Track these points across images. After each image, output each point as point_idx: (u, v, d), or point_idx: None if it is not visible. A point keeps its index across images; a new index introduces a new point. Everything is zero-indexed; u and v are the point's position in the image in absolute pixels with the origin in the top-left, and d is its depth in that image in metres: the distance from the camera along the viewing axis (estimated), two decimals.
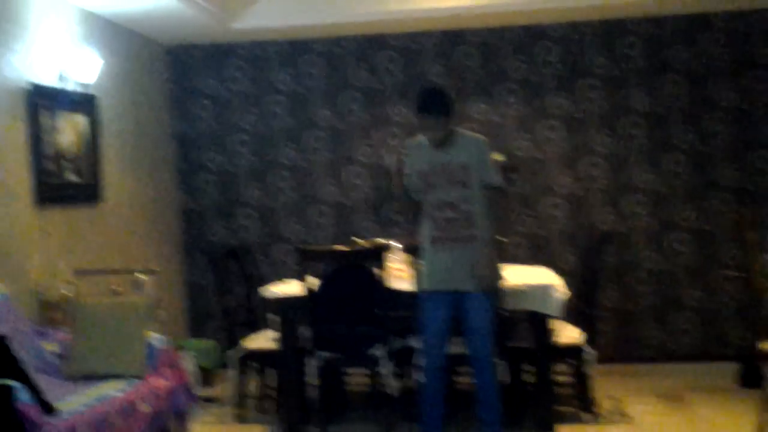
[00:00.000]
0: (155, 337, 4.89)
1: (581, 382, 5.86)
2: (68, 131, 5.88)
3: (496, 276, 5.09)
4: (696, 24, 7.34)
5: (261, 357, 6.02)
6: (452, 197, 4.96)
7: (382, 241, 6.47)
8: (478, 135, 5.24)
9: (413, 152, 5.14)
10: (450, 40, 7.57)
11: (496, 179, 5.11)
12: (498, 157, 7.32)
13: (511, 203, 7.48)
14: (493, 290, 5.08)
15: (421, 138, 5.11)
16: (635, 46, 7.42)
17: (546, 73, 7.51)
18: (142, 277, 5.88)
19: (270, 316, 6.05)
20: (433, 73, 7.56)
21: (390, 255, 5.83)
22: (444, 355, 5.12)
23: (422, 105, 5.03)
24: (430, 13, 7.06)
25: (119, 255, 6.58)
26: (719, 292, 7.35)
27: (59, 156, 5.76)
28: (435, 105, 4.99)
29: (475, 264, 4.96)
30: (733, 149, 7.33)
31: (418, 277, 5.13)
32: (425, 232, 5.07)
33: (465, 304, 5.03)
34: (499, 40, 7.53)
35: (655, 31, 7.39)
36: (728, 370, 6.84)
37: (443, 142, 5.01)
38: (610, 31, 7.43)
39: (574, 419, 5.82)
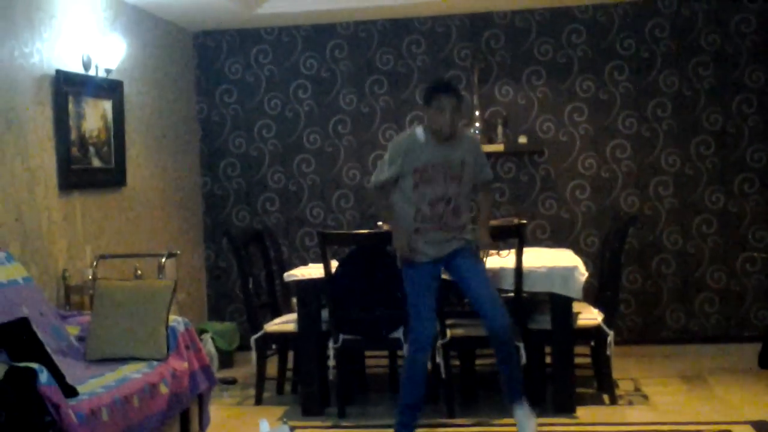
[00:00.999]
0: (176, 320, 4.95)
1: (601, 364, 5.87)
2: (94, 117, 5.97)
3: (485, 237, 5.19)
4: (726, 5, 7.27)
5: (281, 339, 6.09)
6: (449, 193, 4.95)
7: None
8: (470, 133, 5.43)
9: (408, 147, 5.00)
10: (476, 23, 7.56)
11: (490, 174, 5.23)
12: (522, 139, 7.36)
13: (535, 186, 7.49)
14: (473, 242, 5.11)
15: (418, 132, 5.02)
16: (663, 28, 7.37)
17: (572, 55, 7.48)
18: (165, 260, 5.97)
19: (294, 299, 6.12)
20: (459, 57, 7.56)
21: None
22: (433, 336, 5.07)
23: (439, 86, 5.03)
24: None
25: (142, 239, 6.67)
26: (742, 274, 7.31)
27: (85, 141, 5.85)
28: (453, 88, 5.01)
29: (461, 238, 5.03)
30: (760, 131, 7.27)
31: (404, 253, 5.06)
32: (412, 225, 5.01)
33: (455, 261, 5.02)
34: (525, 22, 7.51)
35: (684, 12, 7.33)
36: (749, 351, 6.83)
37: (451, 135, 4.95)
38: (638, 13, 7.38)
39: (594, 401, 5.84)
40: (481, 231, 5.18)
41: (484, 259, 5.29)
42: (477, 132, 7.32)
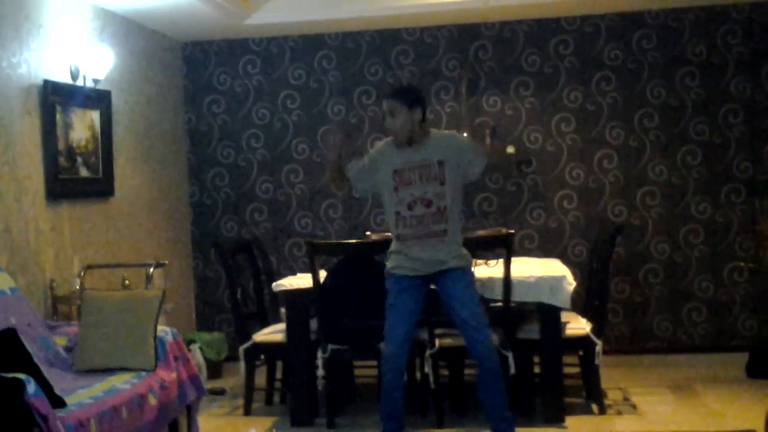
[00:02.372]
0: (164, 330, 4.94)
1: (590, 374, 5.88)
2: (81, 127, 5.96)
3: (466, 262, 5.05)
4: (713, 16, 7.31)
5: (270, 349, 6.08)
6: (429, 193, 4.93)
7: None
8: (449, 132, 5.37)
9: (384, 152, 5.08)
10: (464, 34, 7.58)
11: (483, 160, 5.04)
12: (510, 149, 7.37)
13: (523, 196, 7.51)
14: (467, 268, 5.05)
15: (391, 139, 5.09)
16: (651, 39, 7.40)
17: (560, 66, 7.51)
18: (152, 270, 5.95)
19: (283, 309, 6.12)
20: (447, 67, 7.58)
21: None
22: (408, 344, 5.05)
23: (389, 91, 5.13)
24: (445, 7, 7.08)
25: (130, 249, 6.66)
26: (729, 283, 7.34)
27: (72, 151, 5.84)
28: (397, 93, 5.03)
29: (447, 252, 4.96)
30: (746, 141, 7.31)
31: (390, 264, 5.09)
32: (393, 231, 5.07)
33: (441, 280, 4.99)
34: (513, 33, 7.53)
35: (671, 24, 7.37)
36: (736, 360, 6.85)
37: (411, 140, 4.97)
38: (625, 24, 7.42)
39: (583, 411, 5.85)
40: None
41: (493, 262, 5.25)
42: None
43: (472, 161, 5.01)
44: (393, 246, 5.10)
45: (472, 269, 5.17)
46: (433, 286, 5.12)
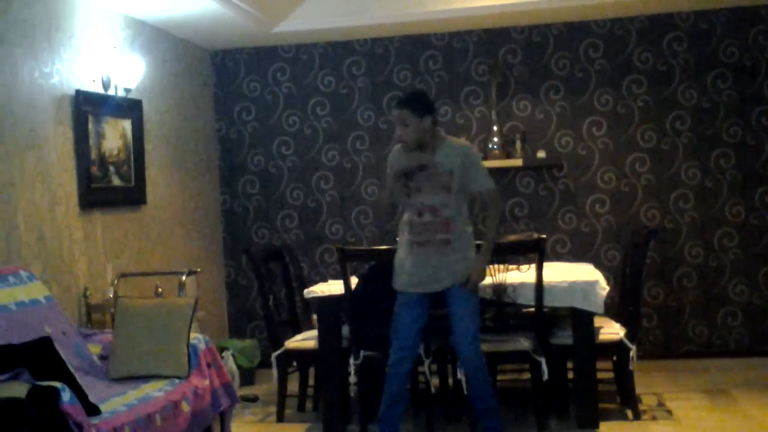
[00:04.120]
0: (197, 338, 4.96)
1: (624, 379, 5.83)
2: (113, 136, 6.00)
3: (475, 273, 5.02)
4: (744, 17, 7.25)
5: (302, 356, 6.08)
6: (435, 202, 4.95)
7: None
8: (465, 142, 5.31)
9: (397, 158, 5.10)
10: (493, 39, 7.56)
11: (489, 184, 5.06)
12: (541, 154, 7.34)
13: (554, 200, 7.47)
14: (468, 284, 5.02)
15: (400, 146, 5.10)
16: (681, 41, 7.35)
17: (590, 69, 7.47)
18: (185, 278, 5.97)
19: (314, 316, 6.12)
20: (476, 72, 7.56)
21: None
22: (413, 355, 5.12)
23: (398, 100, 5.09)
24: (474, 12, 7.07)
25: (162, 257, 6.69)
26: (765, 287, 7.26)
27: (104, 160, 5.88)
28: (406, 102, 4.99)
29: (451, 264, 4.97)
30: None
31: (394, 276, 5.13)
32: (401, 236, 5.10)
33: (446, 298, 5.04)
34: (542, 37, 7.51)
35: (702, 26, 7.31)
36: None
37: (420, 146, 4.96)
38: (655, 27, 7.37)
39: (617, 416, 5.80)
40: (476, 260, 5.05)
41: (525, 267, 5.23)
42: (494, 147, 7.32)
43: (478, 180, 5.02)
44: (403, 253, 5.08)
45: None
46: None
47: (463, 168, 4.98)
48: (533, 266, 5.52)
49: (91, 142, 5.72)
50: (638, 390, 5.92)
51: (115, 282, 5.80)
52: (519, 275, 5.64)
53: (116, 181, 6.03)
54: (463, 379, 5.25)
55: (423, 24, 7.35)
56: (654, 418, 5.77)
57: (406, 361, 5.10)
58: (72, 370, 4.10)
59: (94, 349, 4.90)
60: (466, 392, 5.19)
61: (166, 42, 6.99)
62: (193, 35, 7.26)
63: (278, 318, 6.34)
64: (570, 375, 5.88)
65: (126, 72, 6.10)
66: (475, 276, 5.01)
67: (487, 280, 5.30)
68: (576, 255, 7.34)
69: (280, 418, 6.05)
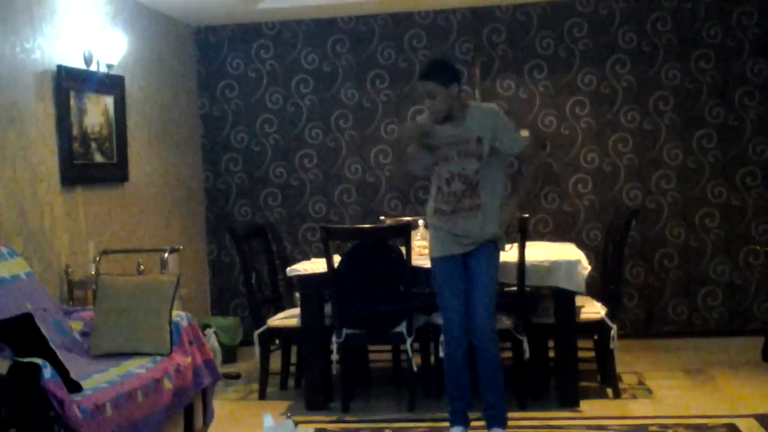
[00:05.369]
0: (179, 315, 4.95)
1: (605, 358, 5.87)
2: (95, 112, 5.97)
3: (505, 215, 4.94)
4: None
5: (284, 334, 6.09)
6: (465, 169, 4.85)
7: (408, 218, 6.53)
8: (492, 105, 5.19)
9: (425, 128, 4.97)
10: (477, 17, 7.55)
11: (520, 142, 4.94)
12: (524, 132, 7.34)
13: (537, 180, 7.49)
14: (497, 241, 4.95)
15: (428, 115, 4.98)
16: (665, 21, 7.36)
17: (574, 49, 7.47)
18: (167, 255, 5.96)
19: (297, 294, 6.13)
20: (460, 51, 7.55)
21: (415, 232, 5.87)
22: (461, 323, 4.92)
23: (419, 72, 5.00)
24: None
25: (145, 234, 6.67)
26: (745, 267, 7.32)
27: (86, 137, 5.85)
28: (431, 73, 4.86)
29: (481, 228, 4.88)
30: (762, 124, 7.27)
31: (429, 244, 5.07)
32: (431, 203, 5.02)
33: (470, 261, 4.93)
34: (526, 16, 7.50)
35: (686, 6, 7.32)
36: (752, 344, 6.80)
37: (448, 116, 4.86)
38: (639, 6, 7.37)
39: (597, 395, 5.83)
40: (501, 214, 4.93)
41: (509, 246, 5.13)
42: None
43: (513, 139, 4.90)
44: (432, 222, 5.01)
45: (502, 251, 5.05)
46: None
47: (494, 132, 4.84)
48: (515, 246, 5.54)
49: (73, 118, 5.69)
50: (619, 369, 5.95)
51: (97, 259, 5.79)
52: (502, 255, 5.63)
53: (98, 158, 6.00)
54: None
55: (407, 2, 7.33)
56: (634, 397, 5.81)
57: (464, 334, 4.90)
58: (53, 346, 4.08)
59: (76, 325, 4.89)
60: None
61: (148, 18, 6.94)
62: (176, 11, 7.21)
63: (261, 296, 6.35)
64: (551, 354, 5.91)
65: (108, 48, 6.06)
66: (505, 217, 4.89)
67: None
68: (558, 234, 7.36)
69: (262, 396, 6.06)
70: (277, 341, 6.20)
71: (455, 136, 4.86)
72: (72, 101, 5.67)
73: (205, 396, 5.07)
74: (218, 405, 5.49)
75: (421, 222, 6.13)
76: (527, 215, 5.85)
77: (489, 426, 4.95)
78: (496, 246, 4.95)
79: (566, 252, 5.89)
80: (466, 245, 4.91)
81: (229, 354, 7.12)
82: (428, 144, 4.92)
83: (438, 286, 4.98)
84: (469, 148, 4.85)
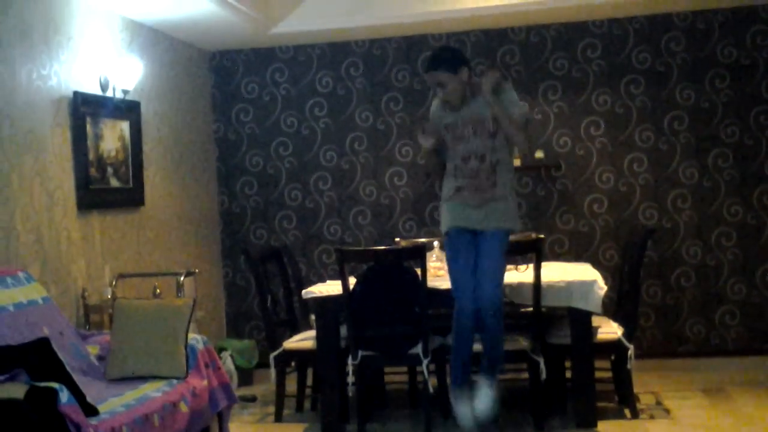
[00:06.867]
0: (195, 338, 4.96)
1: (622, 378, 5.84)
2: (111, 137, 6.01)
3: (513, 221, 5.07)
4: (742, 18, 7.26)
5: (300, 356, 6.09)
6: (482, 148, 4.93)
7: (423, 240, 6.54)
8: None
9: (439, 113, 5.07)
10: (492, 39, 7.57)
11: (520, 107, 5.00)
12: (539, 154, 7.34)
13: (552, 200, 7.48)
14: (507, 232, 5.04)
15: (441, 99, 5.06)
16: (679, 41, 7.36)
17: (588, 69, 7.48)
18: (183, 279, 5.98)
19: (313, 316, 6.13)
20: (475, 72, 7.51)
21: (430, 253, 5.87)
22: (472, 294, 4.96)
23: (426, 64, 5.04)
24: (472, 12, 7.07)
25: (161, 258, 6.70)
26: (762, 286, 7.27)
27: (103, 162, 5.89)
28: (438, 63, 4.93)
29: (494, 210, 4.96)
30: None
31: (442, 222, 5.13)
32: (448, 182, 5.07)
33: (479, 243, 4.99)
34: (540, 37, 7.52)
35: (699, 26, 7.32)
36: None
37: (462, 100, 4.95)
38: (653, 27, 7.38)
39: (615, 415, 5.81)
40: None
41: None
42: None
43: (513, 101, 4.97)
44: (447, 196, 5.07)
45: (514, 232, 5.14)
46: None
47: (499, 101, 4.91)
48: (531, 266, 5.53)
49: (89, 143, 5.73)
50: (636, 389, 5.94)
51: (113, 283, 5.81)
52: (517, 275, 5.65)
53: (114, 183, 6.04)
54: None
55: (421, 25, 7.36)
56: (652, 417, 5.78)
57: (470, 310, 4.96)
58: (70, 370, 4.10)
59: (92, 349, 4.91)
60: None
61: (164, 43, 7.00)
62: (191, 37, 7.27)
63: (276, 318, 6.35)
64: (568, 374, 5.88)
65: (124, 73, 6.11)
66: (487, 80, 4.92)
67: None
68: (574, 255, 7.35)
69: (279, 418, 6.06)
70: (292, 364, 6.20)
71: (470, 115, 4.94)
72: (88, 127, 5.71)
73: (222, 419, 5.07)
74: (234, 428, 5.49)
75: (436, 243, 6.15)
76: (542, 236, 5.84)
77: (482, 370, 5.04)
78: (506, 233, 5.03)
79: (582, 272, 5.87)
80: (477, 221, 4.97)
81: (245, 377, 7.12)
82: (444, 134, 5.02)
83: (449, 259, 5.07)
84: (484, 126, 4.92)
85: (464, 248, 5.01)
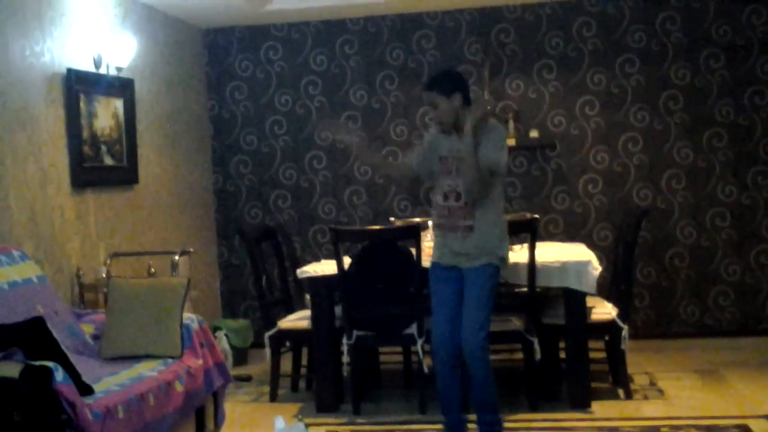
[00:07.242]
0: (190, 318, 4.95)
1: (616, 359, 5.85)
2: (105, 115, 5.98)
3: (495, 256, 4.86)
4: None
5: (295, 336, 6.09)
6: (459, 186, 4.78)
7: (417, 219, 6.53)
8: (494, 122, 4.98)
9: (435, 139, 4.95)
10: (486, 18, 7.54)
11: (497, 160, 4.75)
12: (534, 133, 7.34)
13: (547, 180, 7.48)
14: (493, 267, 4.85)
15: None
16: (675, 21, 7.34)
17: (583, 48, 7.46)
18: (178, 258, 5.97)
19: (308, 296, 6.12)
20: (469, 51, 7.54)
21: (424, 233, 5.86)
22: (455, 330, 4.80)
23: (425, 83, 4.99)
24: None
25: (155, 236, 6.68)
26: (756, 266, 7.29)
27: (96, 140, 5.86)
28: (432, 83, 4.85)
29: (473, 248, 4.81)
30: None
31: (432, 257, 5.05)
32: (434, 210, 4.99)
33: (464, 279, 4.86)
34: (535, 16, 7.49)
35: (695, 5, 7.30)
36: (764, 344, 6.82)
37: (455, 128, 4.80)
38: (648, 6, 7.36)
39: (609, 395, 5.82)
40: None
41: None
42: None
43: (493, 153, 4.73)
44: (433, 235, 5.04)
45: (503, 263, 4.95)
46: None
47: (485, 146, 4.73)
48: (526, 246, 5.53)
49: (83, 121, 5.70)
50: (630, 370, 5.94)
51: (108, 262, 5.79)
52: (511, 255, 5.62)
53: (108, 161, 6.01)
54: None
55: (416, 2, 7.33)
56: (646, 398, 5.80)
57: (447, 355, 4.82)
58: (65, 349, 4.09)
59: (87, 328, 4.90)
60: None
61: (158, 20, 6.95)
62: (184, 13, 7.22)
63: (271, 298, 6.35)
64: (562, 355, 5.90)
65: (118, 50, 6.07)
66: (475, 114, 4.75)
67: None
68: (568, 235, 7.35)
69: (273, 398, 6.06)
70: (287, 343, 6.19)
71: (458, 150, 4.78)
72: (82, 104, 5.68)
73: (217, 398, 5.08)
74: (229, 407, 5.50)
75: (430, 223, 6.13)
76: (537, 216, 5.84)
77: None
78: (494, 270, 4.85)
79: (577, 252, 5.87)
80: (460, 260, 4.86)
81: (240, 356, 7.12)
82: (435, 157, 4.92)
83: (432, 298, 4.97)
84: (467, 165, 4.71)
85: (442, 286, 4.90)
